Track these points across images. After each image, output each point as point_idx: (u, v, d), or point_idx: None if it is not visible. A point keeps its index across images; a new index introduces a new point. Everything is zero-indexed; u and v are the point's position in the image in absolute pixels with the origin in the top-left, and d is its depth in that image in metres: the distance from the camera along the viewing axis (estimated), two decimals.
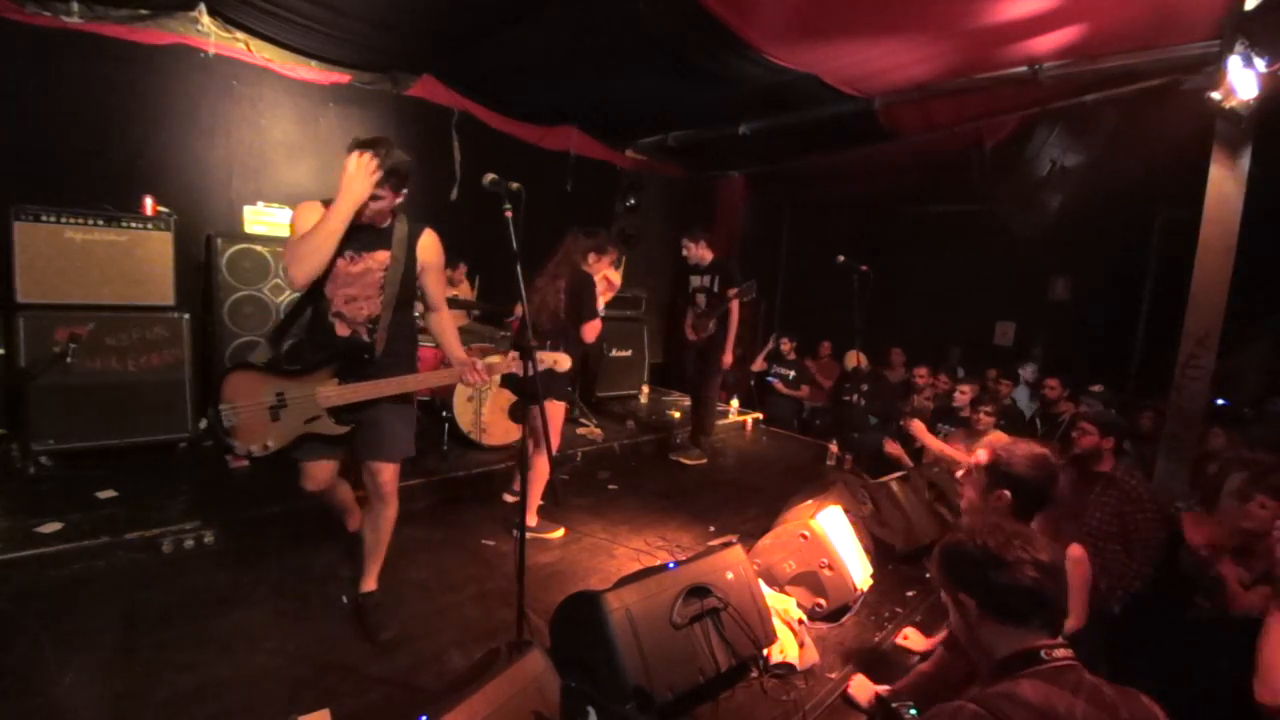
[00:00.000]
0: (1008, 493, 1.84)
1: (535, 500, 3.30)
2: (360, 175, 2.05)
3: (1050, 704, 1.14)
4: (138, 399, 3.49)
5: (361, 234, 2.18)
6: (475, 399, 4.19)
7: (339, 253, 2.13)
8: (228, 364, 2.23)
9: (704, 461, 4.83)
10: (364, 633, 2.35)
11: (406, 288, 2.29)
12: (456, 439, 4.12)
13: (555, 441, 3.22)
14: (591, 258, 3.33)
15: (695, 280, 4.77)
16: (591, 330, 3.22)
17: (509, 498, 3.63)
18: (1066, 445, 3.45)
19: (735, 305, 4.54)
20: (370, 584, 2.47)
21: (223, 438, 2.14)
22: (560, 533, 3.30)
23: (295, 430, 2.19)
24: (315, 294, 2.20)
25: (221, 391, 2.13)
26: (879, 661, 2.41)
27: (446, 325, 2.45)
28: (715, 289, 4.64)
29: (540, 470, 3.17)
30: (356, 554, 2.60)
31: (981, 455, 1.92)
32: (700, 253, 4.69)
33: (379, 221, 2.21)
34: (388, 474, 2.33)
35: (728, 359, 4.64)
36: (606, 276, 3.41)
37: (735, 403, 6.32)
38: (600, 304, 3.37)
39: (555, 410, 3.25)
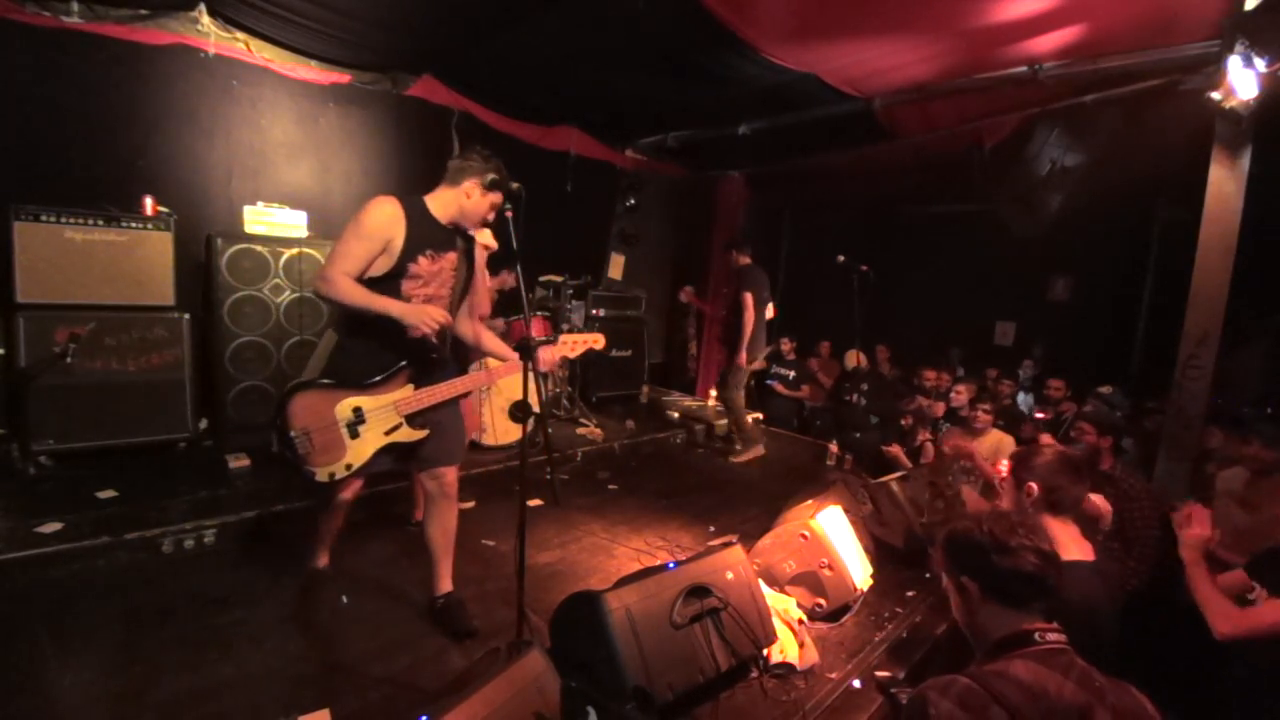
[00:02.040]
0: (1035, 485, 1.89)
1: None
2: (434, 319, 2.07)
3: (1041, 683, 1.17)
4: (138, 399, 3.49)
5: (438, 232, 2.21)
6: (475, 399, 4.19)
7: (420, 251, 2.14)
8: (288, 388, 2.12)
9: (761, 453, 5.03)
10: (452, 632, 2.37)
11: (465, 290, 2.36)
12: None
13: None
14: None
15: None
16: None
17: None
18: (1068, 445, 3.45)
19: (745, 307, 4.73)
20: (447, 584, 2.48)
21: (299, 466, 2.07)
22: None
23: (375, 444, 2.15)
24: (391, 294, 2.13)
25: (288, 418, 2.05)
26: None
27: (487, 332, 2.49)
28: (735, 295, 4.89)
29: None
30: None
31: (1003, 466, 1.97)
32: (734, 261, 4.99)
33: (450, 222, 2.24)
34: (453, 476, 2.40)
35: (741, 358, 4.83)
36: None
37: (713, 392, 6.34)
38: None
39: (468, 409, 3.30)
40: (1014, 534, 1.34)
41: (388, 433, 2.15)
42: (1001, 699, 1.15)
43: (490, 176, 2.16)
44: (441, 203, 2.21)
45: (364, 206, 2.10)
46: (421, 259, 2.15)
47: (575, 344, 2.45)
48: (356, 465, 2.14)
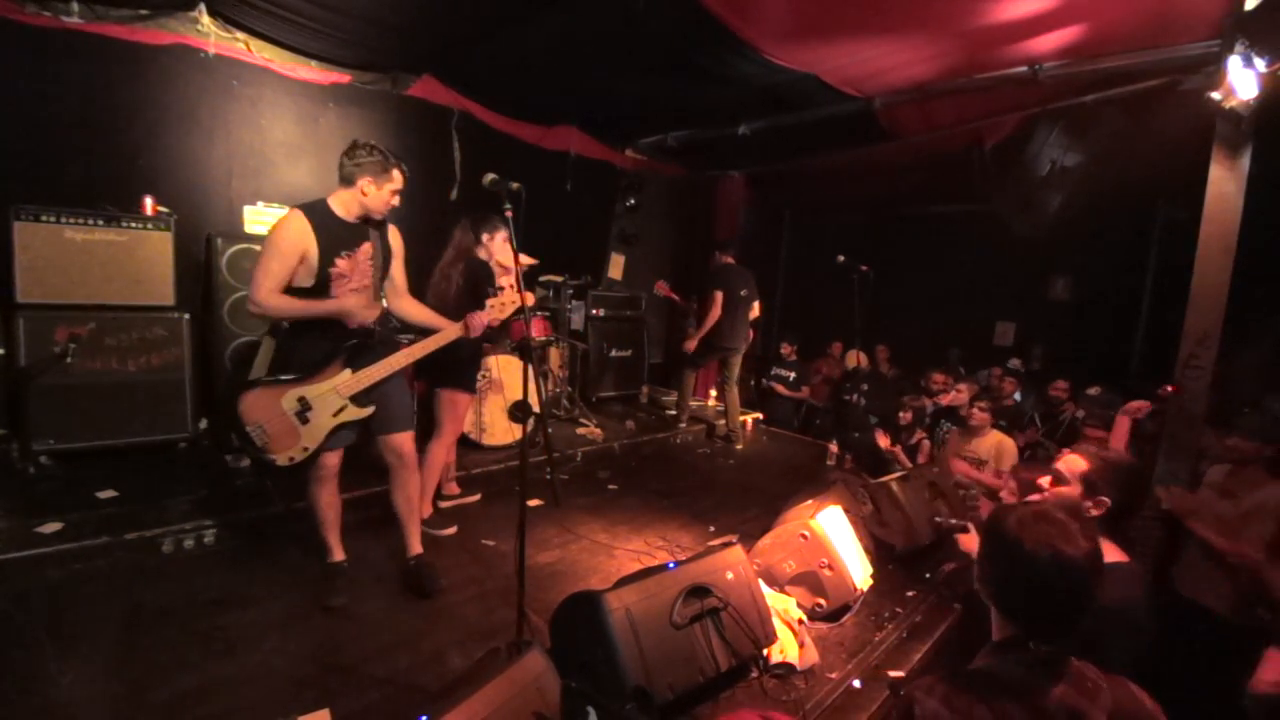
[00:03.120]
0: (1107, 500, 1.78)
1: (430, 490, 3.24)
2: (362, 310, 2.37)
3: (1028, 683, 1.16)
4: (138, 399, 3.49)
5: (347, 231, 2.37)
6: (475, 399, 4.18)
7: (335, 254, 2.32)
8: (235, 389, 2.32)
9: (682, 424, 5.54)
10: (419, 592, 2.58)
11: (385, 272, 2.53)
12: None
13: (455, 429, 3.28)
14: (485, 238, 3.29)
15: None
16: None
17: (442, 504, 3.47)
18: (1069, 444, 3.46)
19: (712, 303, 5.08)
20: (416, 547, 2.68)
21: (259, 456, 2.26)
22: (452, 530, 3.23)
23: (326, 426, 2.33)
24: (323, 297, 2.34)
25: (241, 416, 2.23)
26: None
27: (416, 304, 2.64)
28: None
29: (433, 459, 3.16)
30: (356, 554, 2.61)
31: (1078, 462, 1.85)
32: (716, 259, 5.36)
33: (358, 217, 2.39)
34: (408, 443, 2.56)
35: (688, 345, 5.31)
36: (500, 263, 3.36)
37: (713, 391, 6.37)
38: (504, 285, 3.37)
39: (453, 399, 3.23)
40: (1039, 544, 1.18)
41: (335, 414, 2.33)
42: (987, 699, 1.15)
43: (378, 164, 2.32)
44: (342, 202, 2.36)
45: (275, 225, 2.26)
46: (339, 260, 2.33)
47: (505, 305, 2.54)
48: (313, 447, 2.32)
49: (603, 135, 5.98)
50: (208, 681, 2.02)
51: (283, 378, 2.30)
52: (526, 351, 2.16)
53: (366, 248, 2.42)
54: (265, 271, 2.22)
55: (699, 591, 2.12)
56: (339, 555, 2.62)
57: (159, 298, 3.57)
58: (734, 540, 2.57)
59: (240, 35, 3.95)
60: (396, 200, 2.40)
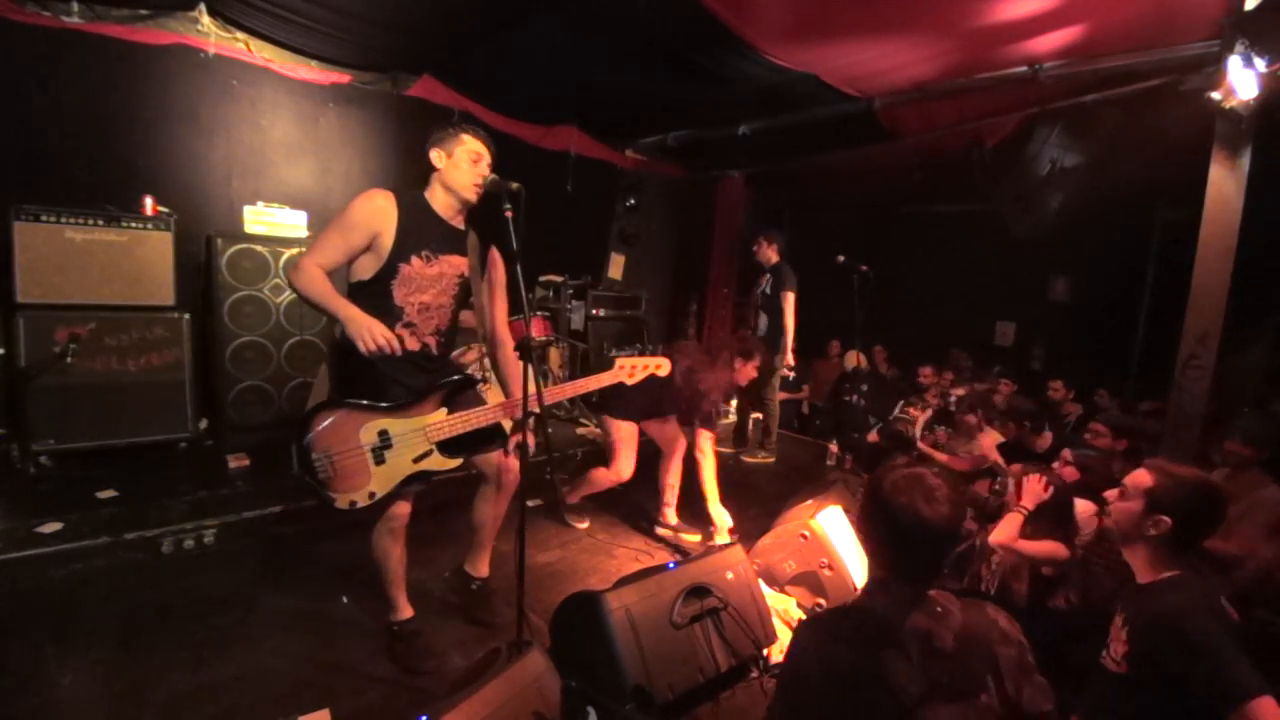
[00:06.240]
0: (1167, 519, 1.61)
1: (582, 490, 3.47)
2: (375, 337, 1.80)
3: (888, 617, 1.28)
4: (138, 399, 3.49)
5: (439, 230, 2.04)
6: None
7: (415, 250, 1.98)
8: (311, 407, 1.96)
9: (771, 460, 5.02)
10: (477, 620, 2.44)
11: (467, 302, 2.19)
12: None
13: (621, 457, 3.26)
14: (738, 363, 3.32)
15: (760, 281, 5.09)
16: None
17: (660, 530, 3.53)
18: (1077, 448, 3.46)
19: (788, 307, 4.83)
20: (484, 570, 2.48)
21: (318, 491, 1.90)
22: (586, 524, 3.49)
23: (402, 471, 1.97)
24: (380, 299, 1.97)
25: (311, 437, 1.88)
26: None
27: (514, 363, 2.23)
28: (769, 291, 4.95)
29: (593, 475, 3.36)
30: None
31: (1145, 477, 1.68)
32: (764, 253, 4.98)
33: (459, 219, 2.09)
34: (499, 459, 2.24)
35: (787, 359, 4.89)
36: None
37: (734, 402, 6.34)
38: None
39: (615, 428, 3.27)
40: (915, 500, 1.28)
41: (416, 460, 1.98)
42: (851, 633, 1.28)
43: (450, 134, 2.03)
44: (434, 195, 2.07)
45: (356, 197, 1.97)
46: (415, 259, 1.99)
47: (634, 369, 2.34)
48: (381, 494, 1.95)
49: (603, 135, 5.98)
50: (208, 682, 2.03)
51: (370, 403, 1.95)
52: (526, 352, 2.13)
53: (457, 262, 2.08)
54: (322, 241, 1.93)
55: (699, 591, 2.12)
56: (408, 611, 2.28)
57: (159, 298, 3.56)
58: (734, 540, 2.57)
59: (240, 35, 3.95)
60: (485, 170, 2.03)
